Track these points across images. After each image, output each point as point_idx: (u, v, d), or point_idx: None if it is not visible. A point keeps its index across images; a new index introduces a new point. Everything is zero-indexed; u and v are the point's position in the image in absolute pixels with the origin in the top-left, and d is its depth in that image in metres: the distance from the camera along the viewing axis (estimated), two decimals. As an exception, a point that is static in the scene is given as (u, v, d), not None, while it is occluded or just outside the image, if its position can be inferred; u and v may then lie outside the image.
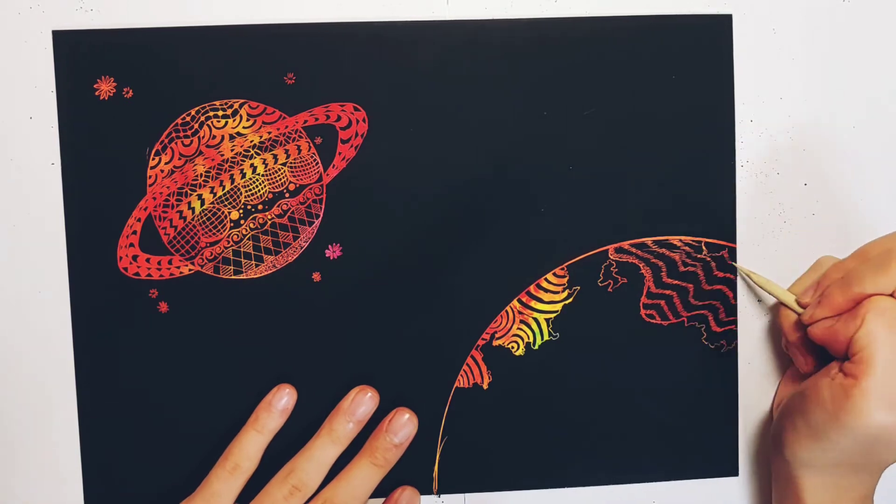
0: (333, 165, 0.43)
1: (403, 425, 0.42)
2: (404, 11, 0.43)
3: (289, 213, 0.43)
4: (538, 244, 0.44)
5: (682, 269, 0.45)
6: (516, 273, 0.44)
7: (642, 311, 0.45)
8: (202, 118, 0.42)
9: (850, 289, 0.37)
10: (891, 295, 0.36)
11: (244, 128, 0.43)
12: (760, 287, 0.43)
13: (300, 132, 0.43)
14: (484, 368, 0.44)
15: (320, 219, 0.43)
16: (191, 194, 0.43)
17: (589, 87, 0.44)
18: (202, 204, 0.43)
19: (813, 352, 0.41)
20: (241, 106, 0.43)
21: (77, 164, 0.42)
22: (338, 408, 0.42)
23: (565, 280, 0.44)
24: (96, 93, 0.42)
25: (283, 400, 0.42)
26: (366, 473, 0.41)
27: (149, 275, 0.43)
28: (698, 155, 0.44)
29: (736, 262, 0.45)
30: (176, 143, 0.42)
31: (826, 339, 0.39)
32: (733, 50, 0.44)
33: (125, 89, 0.42)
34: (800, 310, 0.41)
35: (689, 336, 0.45)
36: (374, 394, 0.43)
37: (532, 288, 0.44)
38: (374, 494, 0.42)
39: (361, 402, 0.42)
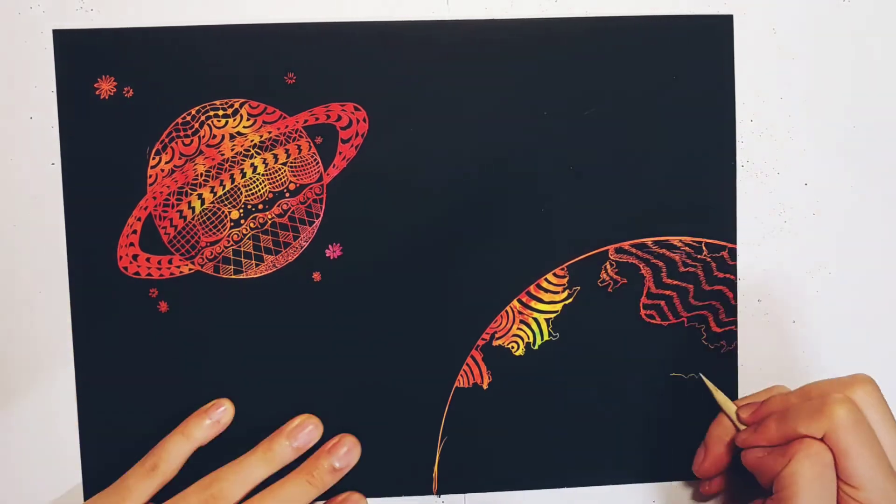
0: (334, 165, 0.43)
1: (347, 452, 0.42)
2: (404, 11, 0.43)
3: (289, 213, 0.43)
4: (538, 244, 0.44)
5: (682, 269, 0.45)
6: (516, 273, 0.44)
7: (642, 312, 0.45)
8: (202, 118, 0.42)
9: (786, 424, 0.37)
10: (821, 439, 0.36)
11: (244, 127, 0.43)
12: (713, 394, 0.43)
13: (300, 132, 0.43)
14: (484, 368, 0.44)
15: (320, 218, 0.43)
16: (191, 194, 0.43)
17: (589, 87, 0.44)
18: (202, 203, 0.43)
19: (722, 472, 0.42)
20: (241, 105, 0.43)
21: (77, 164, 0.42)
22: (280, 429, 0.42)
23: (565, 280, 0.44)
24: (97, 92, 0.42)
25: (218, 411, 0.42)
26: (298, 491, 0.41)
27: (149, 274, 0.43)
28: (699, 155, 0.44)
29: (736, 261, 0.45)
30: (176, 143, 0.42)
31: (755, 467, 0.38)
32: (734, 50, 0.44)
33: (126, 89, 0.42)
34: (739, 425, 0.41)
35: (688, 336, 0.45)
36: (319, 424, 0.42)
37: (532, 288, 0.44)
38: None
39: (305, 428, 0.42)
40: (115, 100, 0.42)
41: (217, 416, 0.42)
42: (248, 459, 0.41)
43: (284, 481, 0.41)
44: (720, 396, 0.42)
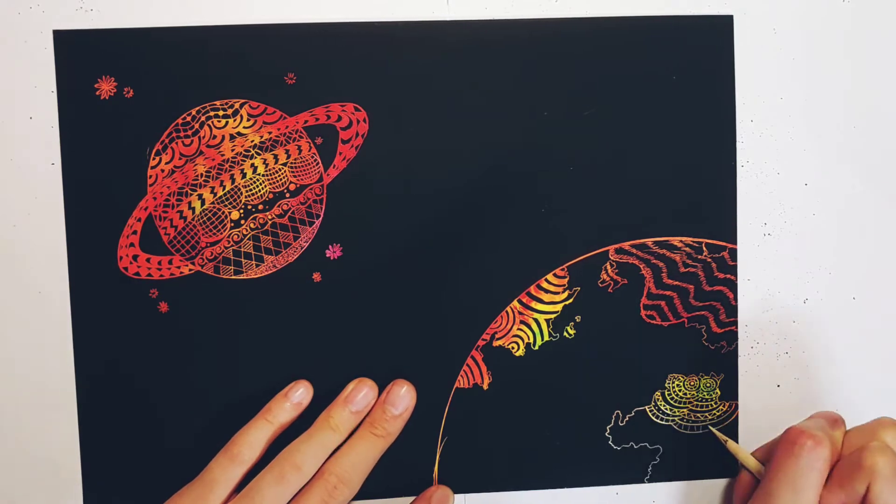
0: (334, 165, 0.43)
1: (402, 397, 0.43)
2: (404, 11, 0.43)
3: (289, 213, 0.43)
4: (538, 245, 0.44)
5: (682, 269, 0.45)
6: (516, 273, 0.44)
7: (642, 312, 0.45)
8: (203, 118, 0.42)
9: (828, 483, 0.38)
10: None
11: (245, 128, 0.43)
12: (733, 453, 0.44)
13: (301, 132, 0.43)
14: (484, 369, 0.44)
15: (321, 219, 0.43)
16: (191, 194, 0.43)
17: (589, 88, 0.44)
18: (202, 204, 0.43)
19: None
20: (241, 106, 0.43)
21: (77, 164, 0.42)
22: (337, 398, 0.43)
23: (565, 281, 0.44)
24: (97, 92, 0.42)
25: (297, 393, 0.43)
26: (367, 445, 0.41)
27: (149, 275, 0.43)
28: (699, 155, 0.44)
29: (736, 262, 0.45)
30: (176, 143, 0.42)
31: None
32: (734, 50, 0.44)
33: (126, 89, 0.42)
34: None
35: (689, 337, 0.45)
36: (374, 386, 0.43)
37: (532, 288, 0.44)
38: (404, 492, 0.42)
39: (360, 392, 0.42)
40: (116, 100, 0.42)
41: (298, 398, 0.42)
42: (314, 431, 0.41)
43: (352, 439, 0.42)
44: (740, 452, 0.43)
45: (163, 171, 0.42)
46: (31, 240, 0.43)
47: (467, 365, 0.44)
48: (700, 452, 0.45)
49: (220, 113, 0.42)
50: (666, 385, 0.45)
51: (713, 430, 0.45)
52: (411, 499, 0.44)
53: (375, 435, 0.42)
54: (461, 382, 0.44)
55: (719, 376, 0.45)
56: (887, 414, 0.45)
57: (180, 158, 0.42)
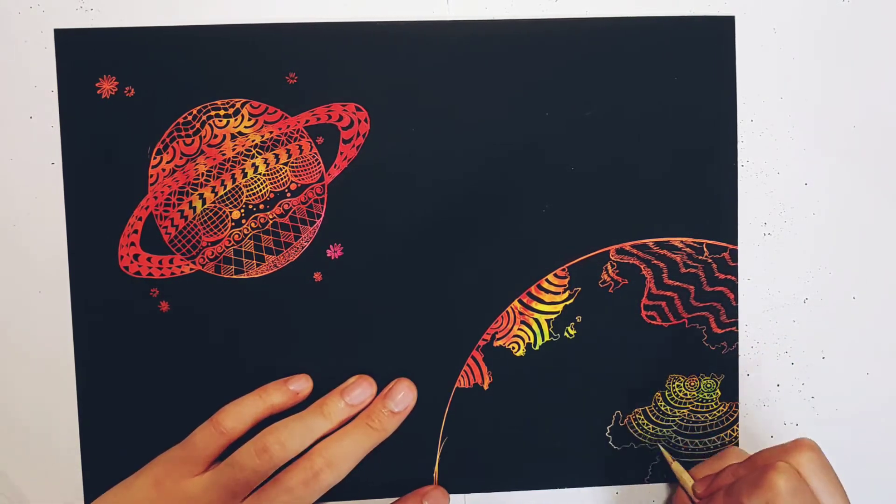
0: (335, 165, 0.43)
1: (403, 395, 0.42)
2: (405, 11, 0.43)
3: (290, 213, 0.43)
4: (539, 245, 0.44)
5: (683, 270, 0.45)
6: (517, 273, 0.44)
7: (643, 313, 0.45)
8: (204, 117, 0.42)
9: (732, 499, 0.37)
10: None
11: (246, 127, 0.43)
12: (672, 469, 0.44)
13: (302, 132, 0.43)
14: (485, 369, 0.44)
15: (322, 218, 0.43)
16: (192, 193, 0.43)
17: (590, 88, 0.44)
18: (203, 203, 0.43)
19: None
20: (242, 105, 0.43)
21: (78, 164, 0.42)
22: (335, 389, 0.42)
23: (566, 281, 0.44)
24: (98, 91, 0.42)
25: (297, 382, 0.42)
26: (360, 435, 0.41)
27: (150, 274, 0.43)
28: (699, 155, 0.44)
29: (737, 262, 0.45)
30: (177, 143, 0.42)
31: None
32: (735, 51, 0.44)
33: (127, 88, 0.42)
34: (695, 500, 0.42)
35: (689, 337, 0.45)
36: (373, 384, 0.43)
37: (533, 289, 0.44)
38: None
39: (358, 387, 0.42)
40: (117, 99, 0.42)
41: (297, 387, 0.42)
42: (305, 414, 0.41)
43: (347, 428, 0.41)
44: (678, 468, 0.43)
45: (164, 170, 0.42)
46: (31, 239, 0.43)
47: (468, 365, 0.44)
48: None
49: (222, 112, 0.42)
50: (666, 385, 0.45)
51: (662, 449, 0.45)
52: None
53: (371, 427, 0.41)
54: (461, 382, 0.44)
55: (720, 377, 0.45)
56: (887, 414, 0.46)
57: (181, 158, 0.42)
